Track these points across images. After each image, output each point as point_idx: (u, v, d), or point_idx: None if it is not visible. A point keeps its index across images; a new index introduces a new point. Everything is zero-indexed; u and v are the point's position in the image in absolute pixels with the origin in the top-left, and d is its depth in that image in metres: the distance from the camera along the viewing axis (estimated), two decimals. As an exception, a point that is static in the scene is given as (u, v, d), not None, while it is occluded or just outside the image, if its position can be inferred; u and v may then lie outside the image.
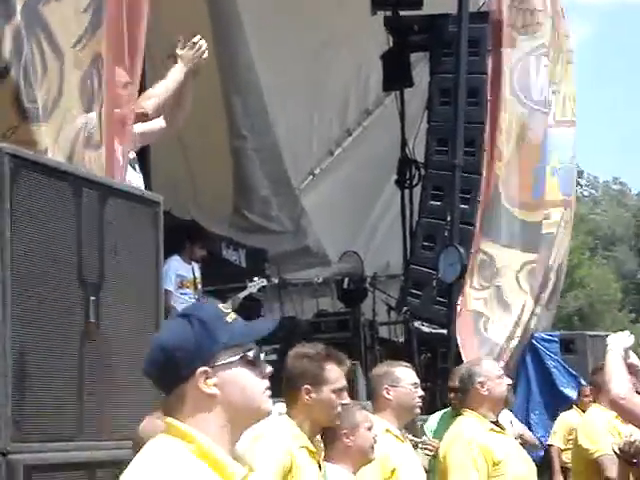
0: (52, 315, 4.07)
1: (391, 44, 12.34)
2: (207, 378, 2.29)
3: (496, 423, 5.91)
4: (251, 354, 2.36)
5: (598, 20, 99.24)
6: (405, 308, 11.03)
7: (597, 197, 58.77)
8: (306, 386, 4.39)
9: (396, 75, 12.49)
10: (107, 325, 4.36)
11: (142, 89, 6.28)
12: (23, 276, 3.94)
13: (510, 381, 6.14)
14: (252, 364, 2.36)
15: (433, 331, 11.00)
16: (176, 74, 5.95)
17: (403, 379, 5.59)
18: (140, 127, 5.84)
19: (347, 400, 4.51)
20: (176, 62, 5.99)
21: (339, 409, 4.45)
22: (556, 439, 10.27)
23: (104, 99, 5.07)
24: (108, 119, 5.11)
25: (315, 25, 12.81)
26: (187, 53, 5.99)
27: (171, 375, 2.31)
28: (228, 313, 2.40)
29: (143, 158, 10.88)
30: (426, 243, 10.78)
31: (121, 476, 2.26)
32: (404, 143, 12.70)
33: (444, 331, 10.44)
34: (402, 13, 12.13)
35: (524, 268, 10.98)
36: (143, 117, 5.80)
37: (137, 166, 6.00)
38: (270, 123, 13.04)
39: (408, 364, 5.94)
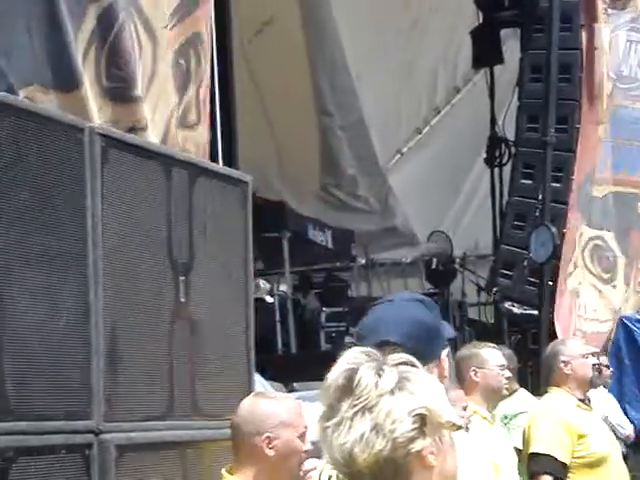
0: (143, 295, 4.07)
1: (481, 20, 12.18)
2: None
3: (583, 401, 5.80)
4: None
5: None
6: (495, 289, 10.88)
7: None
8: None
9: (486, 52, 12.33)
10: (196, 305, 4.36)
11: (230, 72, 6.15)
12: (114, 255, 3.94)
13: (595, 361, 6.02)
14: None
15: (524, 312, 10.85)
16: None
17: (490, 361, 5.54)
18: None
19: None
20: None
21: None
22: None
23: (202, 77, 5.04)
24: (205, 97, 5.09)
25: (404, 3, 12.71)
26: None
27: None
28: None
29: (231, 138, 10.94)
30: (517, 222, 10.61)
31: None
32: (493, 121, 12.53)
33: (535, 312, 10.29)
34: (492, -11, 11.98)
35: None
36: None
37: None
38: (357, 101, 12.98)
39: (494, 345, 5.87)
